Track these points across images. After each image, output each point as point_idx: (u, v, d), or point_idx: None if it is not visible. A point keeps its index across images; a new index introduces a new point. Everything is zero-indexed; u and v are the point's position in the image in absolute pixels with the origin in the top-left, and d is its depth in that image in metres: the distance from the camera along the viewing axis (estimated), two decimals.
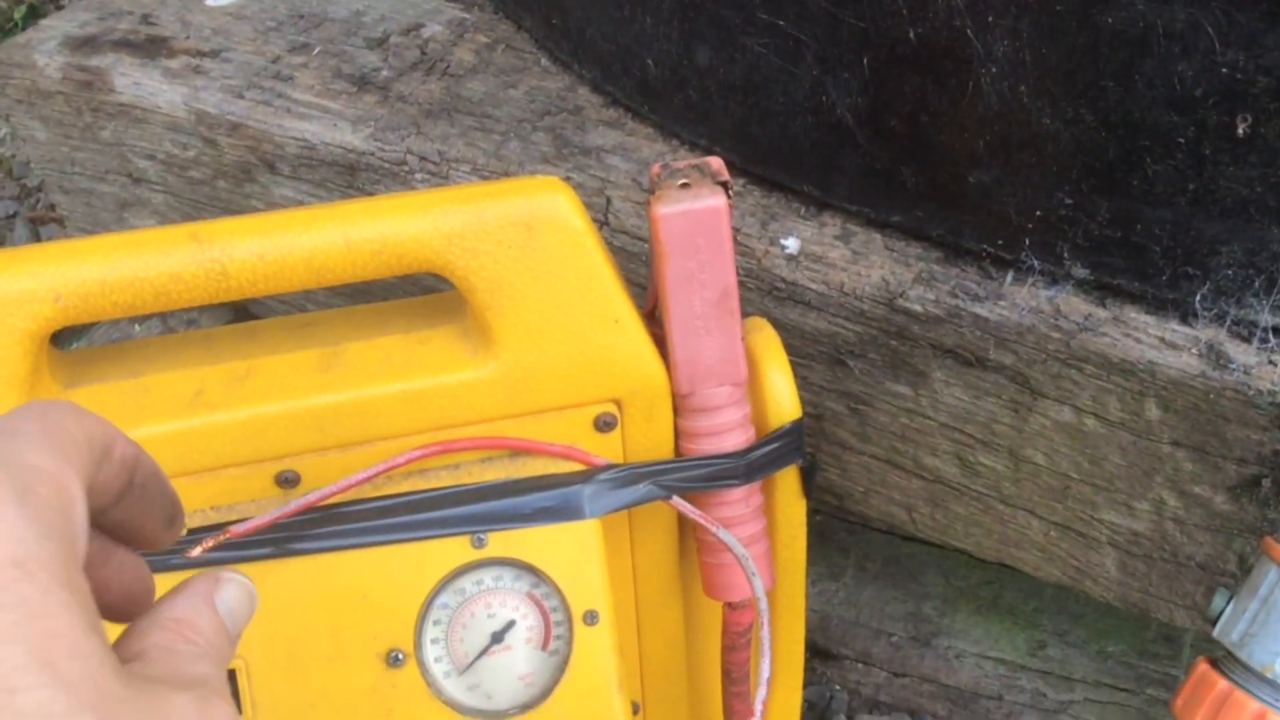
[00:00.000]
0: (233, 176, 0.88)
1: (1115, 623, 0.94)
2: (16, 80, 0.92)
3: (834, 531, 1.00)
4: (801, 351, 0.74)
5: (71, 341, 1.12)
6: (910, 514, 0.78)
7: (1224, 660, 0.52)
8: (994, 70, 0.61)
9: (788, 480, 0.62)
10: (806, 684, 0.99)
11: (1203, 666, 0.52)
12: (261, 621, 0.53)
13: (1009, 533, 0.75)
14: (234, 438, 0.54)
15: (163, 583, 0.34)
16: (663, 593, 0.64)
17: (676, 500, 0.57)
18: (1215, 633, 0.52)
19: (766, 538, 0.62)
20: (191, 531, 0.54)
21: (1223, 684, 0.51)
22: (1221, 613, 0.52)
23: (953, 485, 0.75)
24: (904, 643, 0.97)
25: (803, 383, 0.74)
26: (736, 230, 0.73)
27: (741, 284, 0.72)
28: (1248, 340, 0.62)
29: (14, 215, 1.38)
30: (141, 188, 0.94)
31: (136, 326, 1.11)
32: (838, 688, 0.99)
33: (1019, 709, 0.94)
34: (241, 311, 1.03)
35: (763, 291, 0.73)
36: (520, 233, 0.55)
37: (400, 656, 0.54)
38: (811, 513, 1.00)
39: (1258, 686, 0.50)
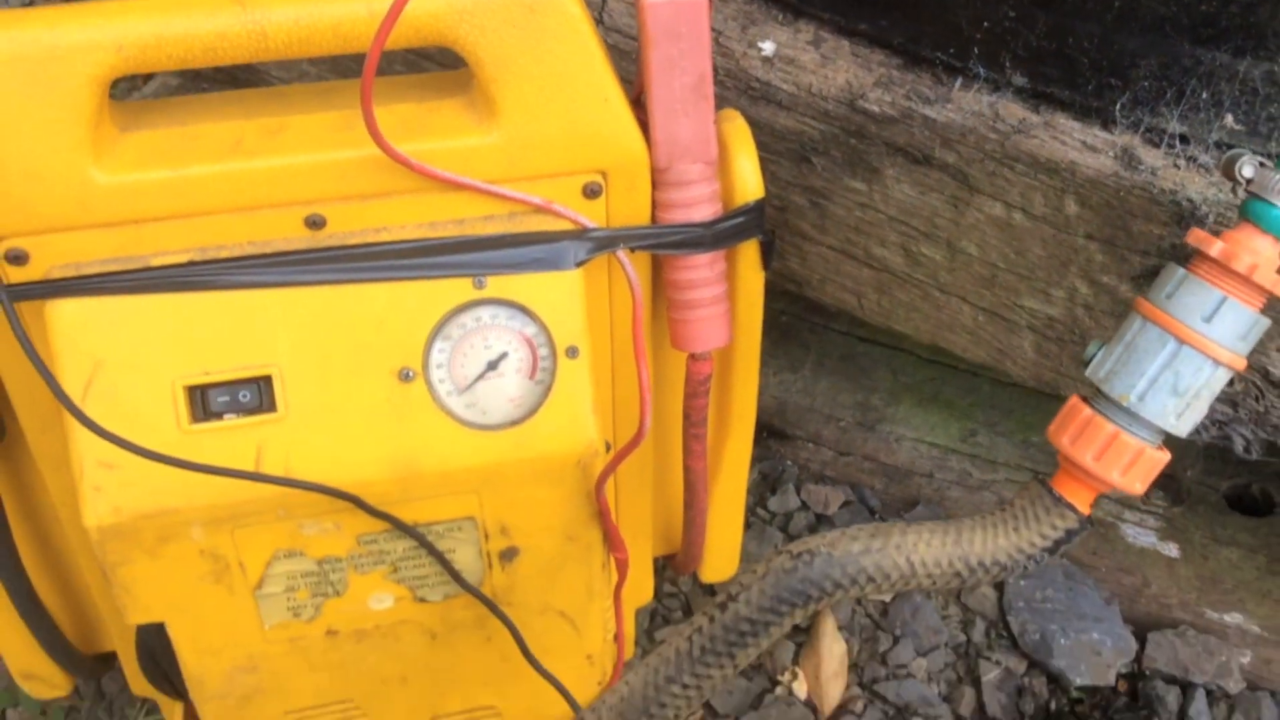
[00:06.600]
0: None
1: (1042, 417, 1.03)
2: None
3: (797, 330, 1.09)
4: (771, 148, 0.82)
5: None
6: (859, 300, 0.87)
7: (1092, 395, 0.63)
8: None
9: (749, 252, 0.71)
10: (762, 459, 1.09)
11: (1074, 399, 0.63)
12: (293, 337, 0.62)
13: (943, 317, 0.84)
14: (269, 181, 0.62)
15: None
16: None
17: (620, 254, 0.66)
18: (1087, 372, 0.62)
19: (727, 300, 0.71)
20: (230, 261, 0.63)
21: (1087, 411, 0.61)
22: (1093, 357, 0.62)
23: (898, 274, 0.84)
24: (851, 427, 1.08)
25: (771, 178, 0.82)
26: (719, 33, 0.80)
27: (720, 83, 0.80)
28: (1157, 145, 0.71)
29: None
30: None
31: None
32: (789, 463, 1.10)
33: (946, 485, 1.06)
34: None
35: (739, 90, 0.81)
36: (524, 14, 0.62)
37: (411, 374, 0.64)
38: (778, 312, 1.09)
39: (1114, 413, 0.61)
